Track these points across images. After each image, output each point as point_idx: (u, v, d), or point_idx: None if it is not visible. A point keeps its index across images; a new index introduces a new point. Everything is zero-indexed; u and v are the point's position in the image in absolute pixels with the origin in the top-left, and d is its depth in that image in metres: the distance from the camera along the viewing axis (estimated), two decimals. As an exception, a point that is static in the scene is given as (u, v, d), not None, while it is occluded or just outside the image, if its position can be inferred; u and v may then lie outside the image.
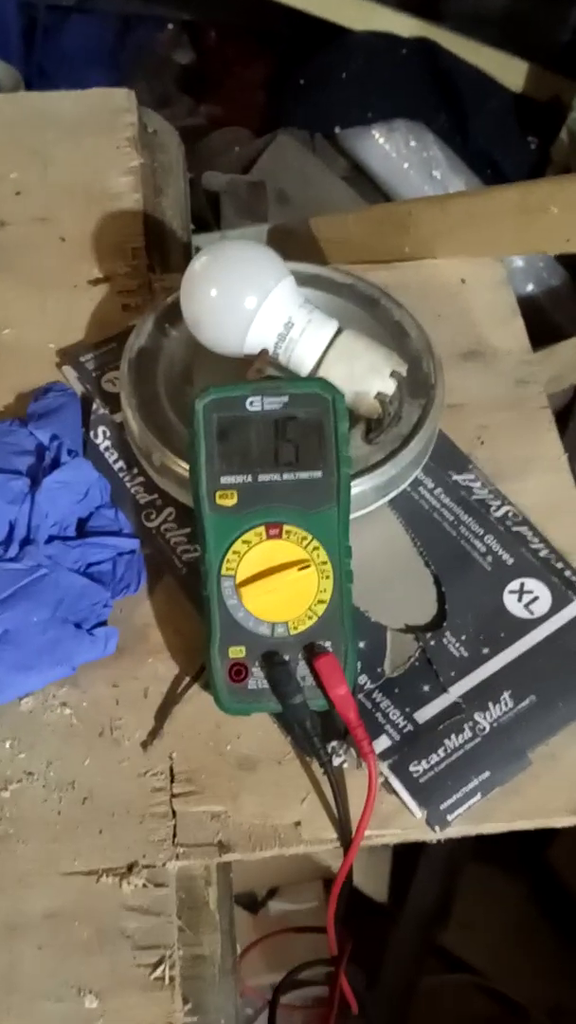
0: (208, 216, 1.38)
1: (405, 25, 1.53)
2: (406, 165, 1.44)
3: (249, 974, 1.04)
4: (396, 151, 1.46)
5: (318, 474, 0.51)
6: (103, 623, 0.55)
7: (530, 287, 1.36)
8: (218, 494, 0.51)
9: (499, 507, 0.59)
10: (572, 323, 1.29)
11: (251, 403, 0.52)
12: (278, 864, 1.15)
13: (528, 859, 1.15)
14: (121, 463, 0.61)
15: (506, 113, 1.50)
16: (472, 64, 1.50)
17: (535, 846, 1.13)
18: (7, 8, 1.74)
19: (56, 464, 0.58)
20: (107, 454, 0.61)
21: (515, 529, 0.58)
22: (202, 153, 1.55)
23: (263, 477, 0.51)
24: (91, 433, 0.62)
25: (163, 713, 0.53)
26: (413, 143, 1.45)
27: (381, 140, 1.45)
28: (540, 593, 0.56)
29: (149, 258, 0.72)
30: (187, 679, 0.54)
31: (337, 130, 1.47)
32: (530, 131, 1.51)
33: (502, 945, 1.16)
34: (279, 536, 0.50)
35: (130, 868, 0.49)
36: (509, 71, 1.54)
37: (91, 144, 0.78)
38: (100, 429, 0.62)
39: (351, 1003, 0.60)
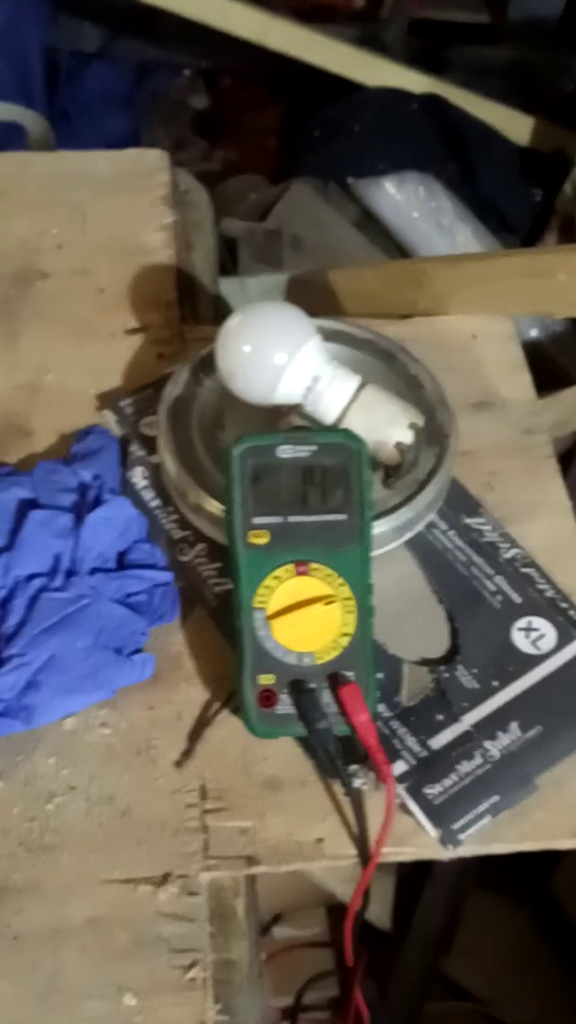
0: (227, 261, 1.43)
1: (415, 81, 1.59)
2: (415, 214, 1.50)
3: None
4: (406, 200, 1.51)
5: (343, 517, 0.56)
6: (140, 650, 0.59)
7: (534, 332, 1.41)
8: (251, 533, 0.55)
9: (508, 549, 0.64)
10: (574, 364, 1.34)
11: (283, 451, 0.56)
12: (283, 889, 1.18)
13: (532, 888, 1.18)
14: (157, 501, 0.65)
15: (511, 165, 1.55)
16: (478, 118, 1.56)
17: (539, 875, 1.16)
18: (31, 55, 1.79)
19: (98, 501, 0.62)
20: (144, 492, 0.65)
21: (523, 570, 0.63)
22: (219, 199, 1.60)
23: (293, 518, 0.56)
24: (129, 473, 0.66)
25: (195, 735, 0.57)
26: (422, 193, 1.51)
27: (391, 190, 1.51)
28: (546, 631, 0.60)
29: (181, 309, 0.77)
30: (218, 704, 0.58)
31: (349, 180, 1.52)
32: (535, 182, 1.57)
33: (505, 973, 1.19)
34: (307, 573, 0.55)
35: (165, 878, 0.53)
36: (514, 124, 1.60)
37: (127, 201, 0.83)
38: (138, 469, 0.66)
39: (363, 1014, 0.63)
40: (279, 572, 0.55)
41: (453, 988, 1.18)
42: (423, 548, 0.64)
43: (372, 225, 1.55)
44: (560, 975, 1.15)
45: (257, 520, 0.56)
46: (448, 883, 1.12)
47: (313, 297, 0.89)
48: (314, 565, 0.55)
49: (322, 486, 0.56)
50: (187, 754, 0.57)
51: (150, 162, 0.86)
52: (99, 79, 1.91)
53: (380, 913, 1.21)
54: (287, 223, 1.51)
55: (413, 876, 1.17)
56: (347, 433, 0.58)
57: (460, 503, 0.66)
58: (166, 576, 0.62)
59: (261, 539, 0.55)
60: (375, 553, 0.60)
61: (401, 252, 1.49)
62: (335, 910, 1.20)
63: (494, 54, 1.88)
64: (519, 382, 0.74)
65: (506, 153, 1.59)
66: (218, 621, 0.61)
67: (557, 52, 1.78)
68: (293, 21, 1.63)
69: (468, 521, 0.65)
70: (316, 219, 1.54)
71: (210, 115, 1.95)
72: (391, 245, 1.51)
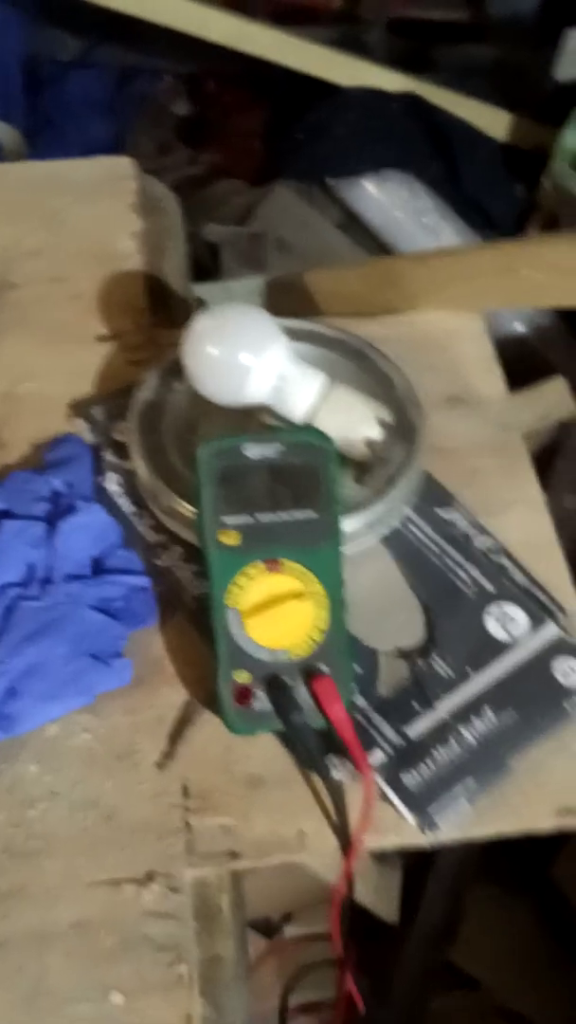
0: (208, 264, 1.44)
1: (395, 81, 1.60)
2: (398, 213, 1.50)
3: (260, 994, 1.07)
4: (389, 200, 1.52)
5: (313, 514, 0.56)
6: (119, 655, 0.60)
7: (519, 327, 1.41)
8: (221, 533, 0.56)
9: (481, 540, 0.64)
10: (561, 359, 1.35)
11: (249, 451, 0.57)
12: (292, 889, 1.19)
13: (533, 877, 1.18)
14: (132, 507, 0.66)
15: (493, 162, 1.56)
16: (460, 117, 1.57)
17: (539, 864, 1.17)
18: (10, 64, 1.81)
19: (72, 509, 0.63)
20: (118, 499, 0.66)
21: (496, 560, 0.63)
22: (202, 203, 1.61)
23: (262, 517, 0.56)
24: (103, 479, 0.67)
25: (176, 736, 0.58)
26: (405, 193, 1.51)
27: (374, 190, 1.52)
28: (519, 618, 0.61)
29: (153, 315, 0.77)
30: (198, 705, 0.59)
31: (331, 181, 1.53)
32: (517, 178, 1.57)
33: (509, 962, 1.19)
34: (278, 570, 0.55)
35: (149, 877, 0.53)
36: (495, 122, 1.60)
37: (98, 208, 0.84)
38: (111, 476, 0.67)
39: (357, 1003, 0.64)
40: (250, 570, 0.56)
41: (459, 977, 1.18)
42: (398, 543, 0.64)
43: (356, 226, 1.56)
44: (563, 962, 1.15)
45: (227, 520, 0.56)
46: (450, 875, 1.13)
47: (293, 299, 0.90)
48: (285, 562, 0.56)
49: (291, 484, 0.57)
50: (168, 755, 0.57)
51: (119, 169, 0.87)
52: (81, 85, 1.93)
53: (388, 908, 1.21)
54: (271, 226, 1.52)
55: (417, 870, 1.18)
56: (314, 431, 0.58)
57: (433, 496, 0.66)
58: (143, 581, 0.62)
59: (231, 539, 0.56)
60: (350, 549, 0.60)
61: (385, 252, 1.50)
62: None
63: (476, 52, 1.89)
64: (491, 378, 0.74)
65: (488, 151, 1.60)
66: (197, 623, 0.62)
67: (537, 49, 1.78)
68: (270, 25, 1.64)
69: (441, 514, 0.66)
70: (300, 221, 1.55)
71: (194, 119, 1.96)
72: (375, 246, 1.52)
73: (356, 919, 0.59)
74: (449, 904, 1.15)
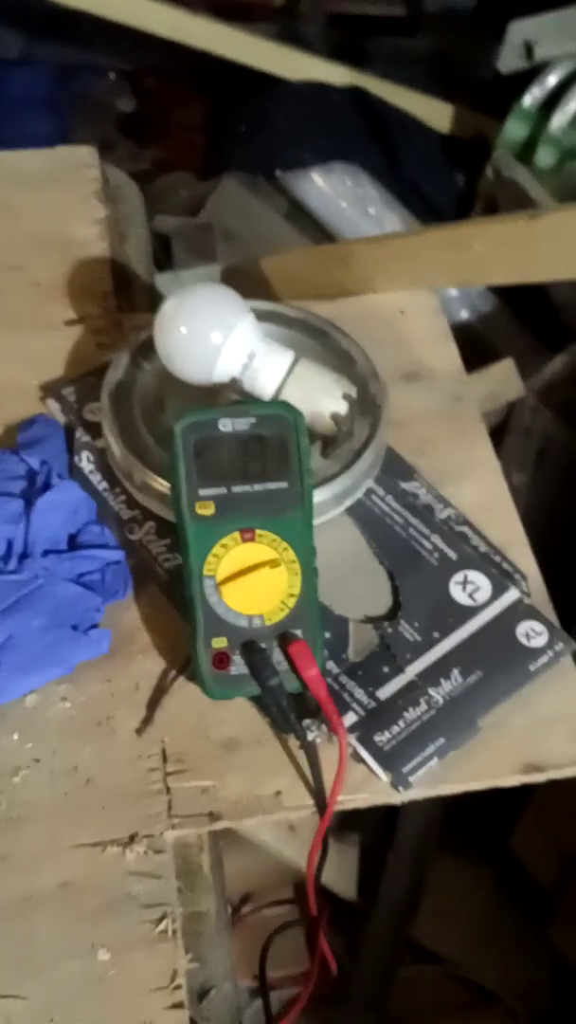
0: (160, 256, 1.45)
1: (335, 73, 1.62)
2: (343, 203, 1.53)
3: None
4: (333, 190, 1.54)
5: (284, 484, 0.58)
6: (96, 626, 0.61)
7: (465, 314, 1.45)
8: (197, 505, 0.58)
9: (443, 510, 0.67)
10: (505, 344, 1.38)
11: (223, 425, 0.59)
12: (251, 870, 1.21)
13: (492, 849, 1.22)
14: (104, 483, 0.67)
15: (433, 151, 1.59)
16: (399, 107, 1.60)
17: (499, 835, 1.20)
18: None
19: (47, 486, 0.64)
20: (91, 476, 0.67)
21: (457, 529, 0.66)
22: (150, 197, 1.62)
23: (236, 488, 0.58)
24: (76, 458, 0.68)
25: (154, 703, 0.59)
26: (349, 182, 1.54)
27: (319, 181, 1.54)
28: (481, 583, 0.63)
29: (117, 299, 0.79)
30: (174, 672, 0.60)
31: (277, 172, 1.55)
32: (457, 167, 1.61)
33: (472, 934, 1.23)
34: (252, 539, 0.57)
35: (132, 838, 0.55)
36: (434, 112, 1.64)
37: (59, 198, 0.85)
38: (84, 454, 0.68)
39: (331, 965, 0.66)
40: (226, 540, 0.57)
41: (423, 952, 1.21)
42: (363, 514, 0.67)
43: (302, 216, 1.58)
44: (525, 931, 1.19)
45: (202, 492, 0.58)
46: (410, 849, 1.16)
47: (247, 285, 0.91)
48: (259, 531, 0.58)
49: (262, 456, 0.59)
50: (146, 721, 0.59)
51: (80, 158, 0.88)
52: (22, 83, 1.92)
53: (346, 885, 1.24)
54: (218, 217, 1.53)
55: (375, 847, 1.21)
56: (283, 404, 0.60)
57: (396, 470, 0.69)
58: (117, 555, 0.64)
59: (207, 510, 0.58)
60: (318, 521, 0.62)
61: (331, 241, 1.52)
62: (304, 886, 1.22)
63: (412, 44, 1.92)
64: (446, 353, 0.77)
65: (427, 140, 1.63)
66: (170, 595, 0.63)
67: (473, 40, 1.82)
68: (211, 18, 1.65)
69: (404, 486, 0.68)
70: (247, 212, 1.57)
71: (136, 115, 1.96)
72: (321, 235, 1.54)
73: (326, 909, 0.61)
74: (411, 879, 1.18)
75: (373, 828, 1.21)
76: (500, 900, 1.21)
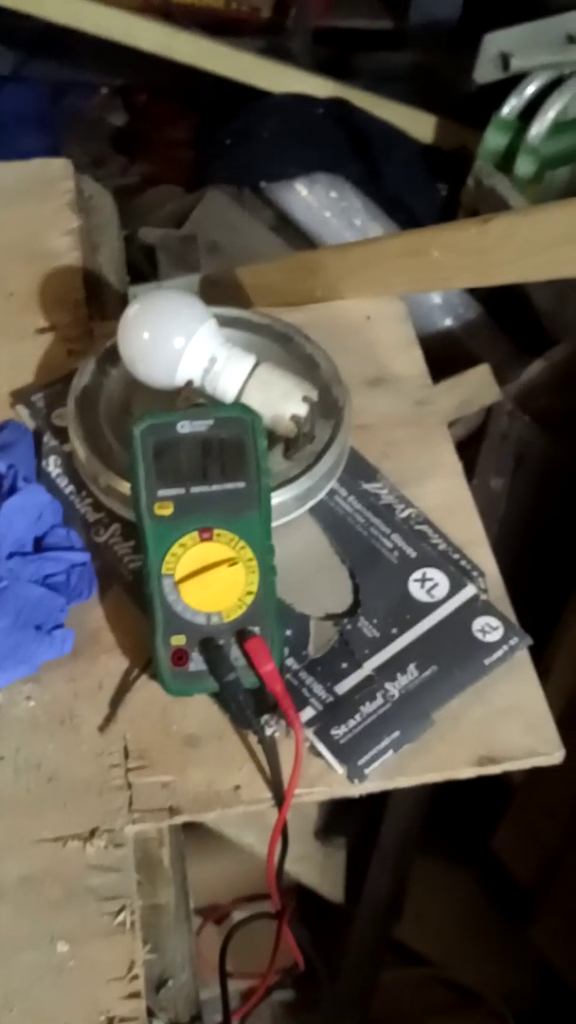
0: (145, 268, 1.47)
1: (319, 86, 1.64)
2: (327, 214, 1.55)
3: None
4: (318, 202, 1.56)
5: (242, 484, 0.60)
6: (60, 626, 0.62)
7: (448, 321, 1.46)
8: (156, 505, 0.59)
9: (403, 510, 0.68)
10: (487, 351, 1.39)
11: (181, 427, 0.60)
12: (239, 875, 1.21)
13: (474, 851, 1.22)
14: (71, 487, 0.68)
15: (416, 163, 1.61)
16: (382, 119, 1.61)
17: (480, 837, 1.21)
18: None
19: (13, 490, 0.65)
20: (58, 480, 0.69)
21: (417, 528, 0.67)
22: (137, 210, 1.64)
23: (195, 489, 0.59)
24: (43, 463, 0.69)
25: (116, 701, 0.61)
26: (333, 194, 1.56)
27: (303, 192, 1.56)
28: (439, 580, 0.64)
29: (89, 308, 0.80)
30: (136, 671, 0.62)
31: (262, 184, 1.57)
32: (440, 178, 1.62)
33: (455, 936, 1.23)
34: (211, 539, 0.59)
35: (92, 833, 0.56)
36: (418, 124, 1.65)
37: (32, 209, 0.86)
38: (51, 459, 0.70)
39: (297, 959, 0.67)
40: (184, 540, 0.59)
41: (407, 954, 1.22)
42: (325, 514, 0.68)
43: (287, 228, 1.60)
44: (508, 933, 1.20)
45: (161, 492, 0.59)
46: (393, 851, 1.16)
47: (224, 295, 0.93)
48: (217, 531, 0.59)
49: (220, 458, 0.60)
50: (109, 719, 0.60)
51: (54, 170, 0.90)
52: (14, 100, 1.94)
53: (333, 888, 1.25)
54: (203, 229, 1.55)
55: (361, 849, 1.21)
56: (241, 407, 0.62)
57: (358, 471, 0.70)
58: (82, 557, 0.65)
59: (165, 510, 0.59)
60: (280, 521, 0.63)
61: (316, 252, 1.53)
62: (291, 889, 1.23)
63: (397, 58, 1.94)
64: (411, 358, 0.78)
65: (410, 152, 1.65)
66: (134, 596, 0.64)
67: (457, 54, 1.84)
68: (197, 33, 1.67)
69: (366, 487, 0.69)
70: (232, 224, 1.58)
71: (127, 131, 1.98)
72: (306, 246, 1.56)
73: (304, 899, 0.62)
74: (394, 881, 1.19)
75: (358, 831, 1.22)
76: (482, 902, 1.22)
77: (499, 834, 1.18)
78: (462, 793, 1.03)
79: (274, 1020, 1.18)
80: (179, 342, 0.65)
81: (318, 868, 1.23)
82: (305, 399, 0.66)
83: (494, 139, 1.45)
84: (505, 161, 1.45)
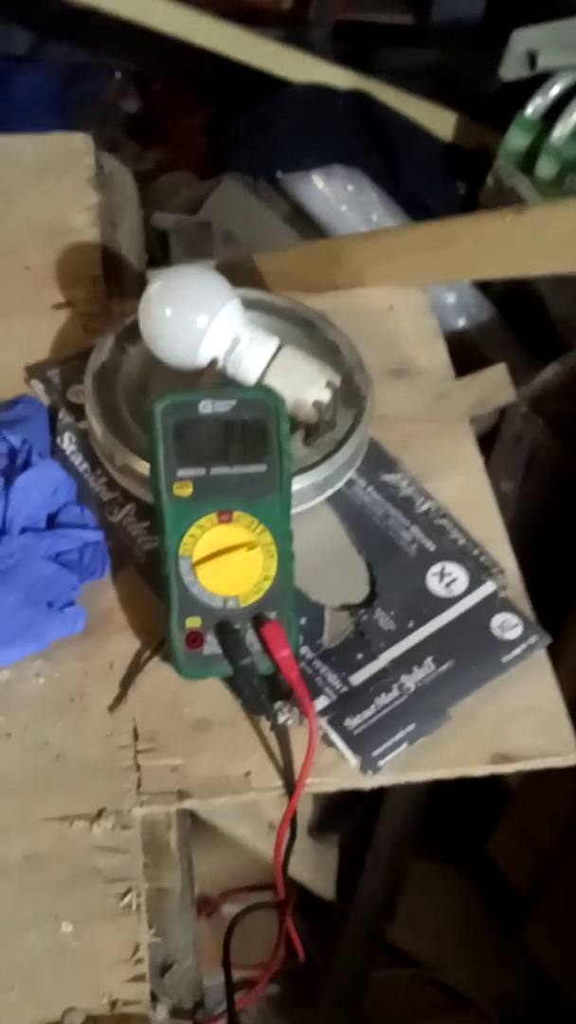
0: (158, 254, 1.45)
1: (340, 77, 1.63)
2: (344, 208, 1.53)
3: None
4: (335, 194, 1.55)
5: (263, 468, 0.59)
6: (72, 604, 0.61)
7: (461, 322, 1.45)
8: (175, 486, 0.58)
9: (423, 503, 0.67)
10: (498, 353, 1.38)
11: (203, 406, 0.59)
12: (231, 867, 1.21)
13: (469, 854, 1.21)
14: (86, 465, 0.67)
15: (435, 160, 1.60)
16: (404, 114, 1.60)
17: (475, 840, 1.20)
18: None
19: (27, 465, 0.64)
20: (73, 457, 0.68)
21: (437, 522, 0.66)
22: (151, 196, 1.63)
23: (215, 471, 0.58)
24: (58, 439, 0.68)
25: (127, 682, 0.60)
26: (350, 187, 1.54)
27: (320, 184, 1.54)
28: (458, 575, 0.63)
29: (107, 285, 0.79)
30: (148, 652, 0.61)
31: (279, 175, 1.56)
32: (459, 177, 1.61)
33: (448, 938, 1.22)
34: (229, 521, 0.58)
35: (99, 814, 0.55)
36: (439, 121, 1.64)
37: (52, 183, 0.85)
38: (66, 435, 0.69)
39: (298, 950, 0.66)
40: (203, 521, 0.58)
41: (399, 955, 1.21)
42: (343, 503, 0.67)
43: (302, 220, 1.59)
44: (500, 937, 1.19)
45: (181, 472, 0.58)
46: (388, 851, 1.15)
47: (240, 281, 0.92)
48: (236, 514, 0.58)
49: (242, 439, 0.59)
50: (120, 699, 0.59)
51: (75, 145, 0.89)
52: (29, 82, 1.93)
53: (326, 885, 1.24)
54: (218, 217, 1.53)
55: (355, 848, 1.21)
56: (265, 389, 0.61)
57: (378, 462, 0.69)
58: (96, 535, 0.64)
59: (185, 491, 0.58)
60: (298, 509, 0.63)
61: (330, 245, 1.52)
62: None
63: (418, 55, 1.93)
64: (433, 351, 0.77)
65: (430, 148, 1.63)
66: (148, 576, 0.63)
67: (479, 53, 1.83)
68: (218, 19, 1.66)
69: (386, 478, 0.68)
70: (247, 214, 1.57)
71: (141, 117, 1.97)
72: (321, 239, 1.55)
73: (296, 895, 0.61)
74: (388, 880, 1.18)
75: (352, 829, 1.21)
76: (476, 905, 1.21)
77: (495, 837, 1.17)
78: (458, 796, 1.02)
79: (263, 1015, 1.17)
80: (202, 320, 0.64)
81: (311, 865, 1.22)
82: (328, 385, 0.65)
83: (516, 139, 1.44)
84: (526, 162, 1.44)
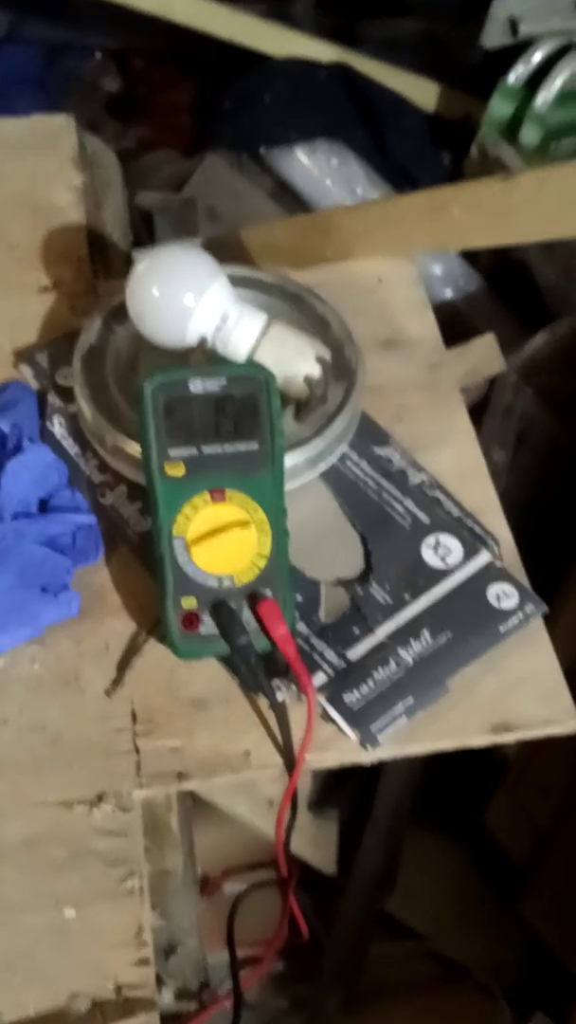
0: (143, 233, 1.44)
1: (323, 51, 1.61)
2: (328, 182, 1.52)
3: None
4: (319, 169, 1.53)
5: (255, 445, 0.58)
6: (66, 587, 0.61)
7: (448, 293, 1.44)
8: (167, 465, 0.57)
9: (416, 475, 0.67)
10: (487, 324, 1.38)
11: (193, 385, 0.59)
12: (230, 844, 1.21)
13: (466, 825, 1.22)
14: (76, 448, 0.67)
15: (420, 131, 1.58)
16: (387, 86, 1.59)
17: (473, 812, 1.20)
18: None
19: (18, 450, 0.64)
20: (63, 441, 0.67)
21: (430, 493, 0.66)
22: (134, 174, 1.61)
23: (207, 449, 0.58)
24: (47, 423, 0.68)
25: (124, 664, 0.59)
26: (335, 161, 1.53)
27: (304, 159, 1.53)
28: (453, 547, 0.63)
29: (93, 265, 0.78)
30: (144, 633, 0.60)
31: (262, 150, 1.54)
32: (444, 148, 1.60)
33: (445, 910, 1.23)
34: (223, 500, 0.57)
35: (99, 797, 0.55)
36: (422, 92, 1.63)
37: (35, 163, 0.84)
38: (56, 418, 0.68)
39: (301, 927, 0.66)
40: (196, 500, 0.57)
41: (396, 927, 1.21)
42: (336, 478, 0.66)
43: (287, 195, 1.57)
44: (498, 908, 1.19)
45: (172, 452, 0.58)
46: (386, 825, 1.16)
47: (227, 256, 0.91)
48: (229, 492, 0.58)
49: (233, 417, 0.59)
50: (116, 682, 0.59)
51: (57, 126, 0.87)
52: (8, 62, 1.91)
53: (325, 859, 1.24)
54: (202, 195, 1.52)
55: (354, 822, 1.21)
56: (255, 365, 0.60)
57: (370, 435, 0.68)
58: (88, 518, 0.64)
59: (177, 470, 0.58)
60: (291, 485, 0.62)
61: (316, 220, 1.51)
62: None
63: (402, 26, 1.91)
64: (424, 321, 0.77)
65: (414, 120, 1.62)
66: (141, 558, 0.63)
67: (463, 23, 1.81)
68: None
69: (378, 451, 0.68)
70: (231, 190, 1.56)
71: (123, 96, 1.95)
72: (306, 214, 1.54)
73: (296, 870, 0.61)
74: (386, 854, 1.19)
75: (351, 803, 1.22)
76: (474, 877, 1.21)
77: (491, 810, 1.17)
78: (455, 768, 1.02)
79: (266, 991, 1.17)
80: (190, 299, 0.63)
81: (311, 840, 1.23)
82: (318, 359, 0.65)
83: (499, 107, 1.43)
84: (510, 130, 1.43)
